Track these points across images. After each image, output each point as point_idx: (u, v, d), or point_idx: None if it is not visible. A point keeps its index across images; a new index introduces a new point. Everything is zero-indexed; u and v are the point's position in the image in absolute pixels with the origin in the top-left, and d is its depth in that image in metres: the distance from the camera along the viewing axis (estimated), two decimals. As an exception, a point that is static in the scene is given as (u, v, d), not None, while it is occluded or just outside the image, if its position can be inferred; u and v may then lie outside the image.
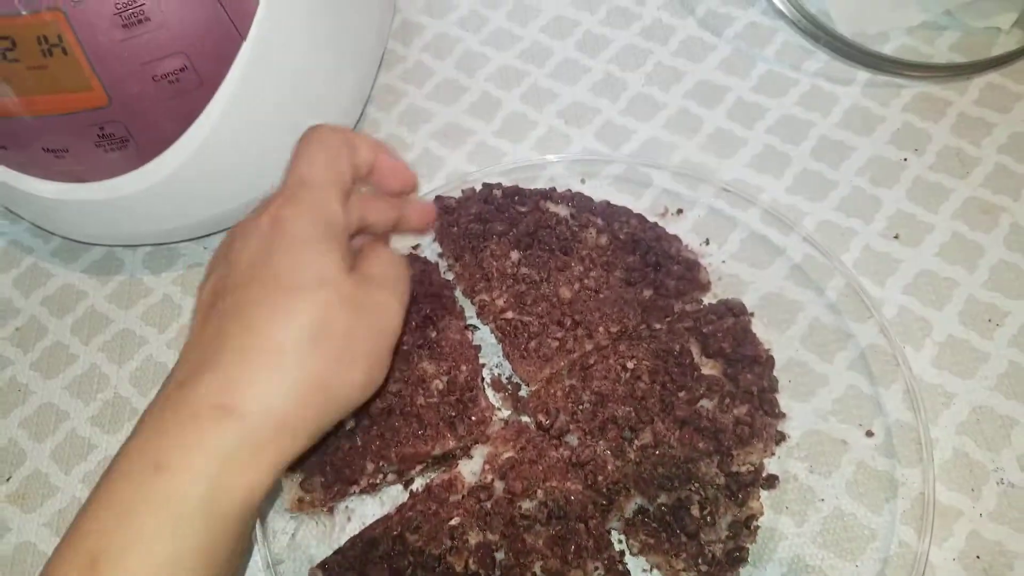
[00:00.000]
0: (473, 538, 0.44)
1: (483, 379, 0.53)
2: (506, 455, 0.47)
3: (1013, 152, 0.59)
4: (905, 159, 0.60)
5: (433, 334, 0.52)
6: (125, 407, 0.57)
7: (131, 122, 0.49)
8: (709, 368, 0.49)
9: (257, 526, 0.48)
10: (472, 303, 0.56)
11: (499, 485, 0.46)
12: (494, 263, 0.55)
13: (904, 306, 0.55)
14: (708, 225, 0.58)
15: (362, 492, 0.49)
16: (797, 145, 0.62)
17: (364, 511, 0.50)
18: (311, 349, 0.30)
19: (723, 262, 0.57)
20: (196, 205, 0.56)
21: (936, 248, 0.56)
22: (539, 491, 0.46)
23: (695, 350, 0.50)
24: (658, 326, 0.51)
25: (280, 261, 0.31)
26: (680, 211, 0.59)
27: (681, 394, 0.48)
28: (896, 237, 0.57)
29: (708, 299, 0.54)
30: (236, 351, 0.30)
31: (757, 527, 0.47)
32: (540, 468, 0.46)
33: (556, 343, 0.51)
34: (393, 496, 0.51)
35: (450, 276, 0.57)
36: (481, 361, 0.54)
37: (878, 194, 0.59)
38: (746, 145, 0.62)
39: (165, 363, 0.58)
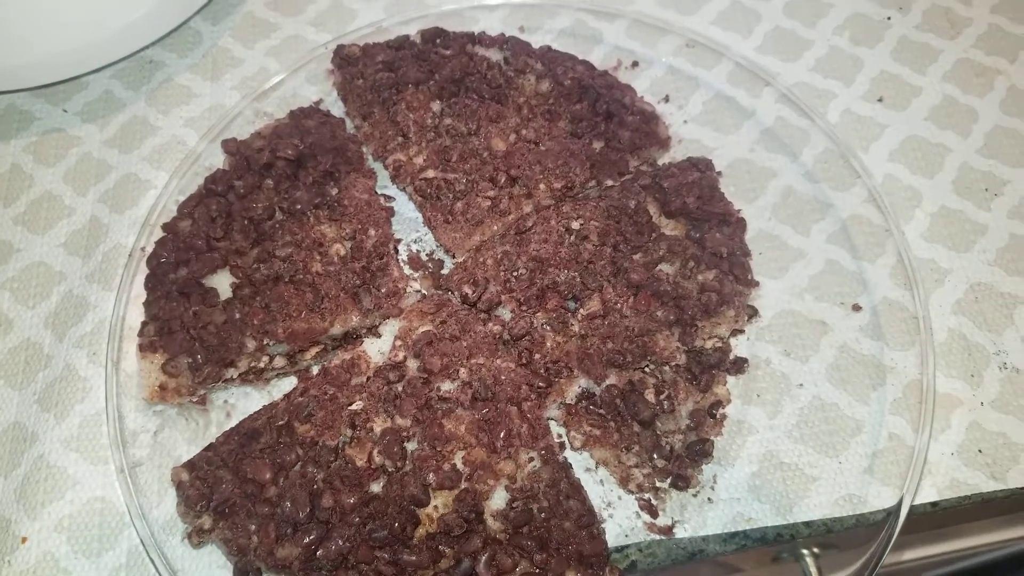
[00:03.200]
0: (379, 425, 0.35)
1: (397, 252, 0.44)
2: (423, 329, 0.38)
3: (1007, 11, 0.52)
4: (888, 18, 0.53)
5: (334, 191, 0.42)
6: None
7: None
8: (670, 229, 0.41)
9: (112, 424, 0.38)
10: (385, 166, 0.46)
11: (413, 364, 0.37)
12: (410, 116, 0.45)
13: (890, 174, 0.47)
14: (667, 85, 0.50)
15: (244, 380, 0.40)
16: (767, 1, 0.54)
17: (248, 407, 0.40)
18: None
19: (684, 122, 0.48)
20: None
21: (925, 112, 0.49)
22: (461, 370, 0.37)
23: (653, 209, 0.41)
24: (610, 183, 0.43)
25: None
26: (635, 64, 0.50)
27: (636, 256, 0.39)
28: (880, 100, 0.50)
29: (666, 162, 0.46)
30: None
31: (724, 416, 0.39)
32: (464, 345, 0.38)
33: (488, 203, 0.42)
34: (285, 390, 0.41)
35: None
36: (397, 236, 0.45)
37: (859, 54, 0.51)
38: (709, 1, 0.54)
39: (10, 241, 0.47)
